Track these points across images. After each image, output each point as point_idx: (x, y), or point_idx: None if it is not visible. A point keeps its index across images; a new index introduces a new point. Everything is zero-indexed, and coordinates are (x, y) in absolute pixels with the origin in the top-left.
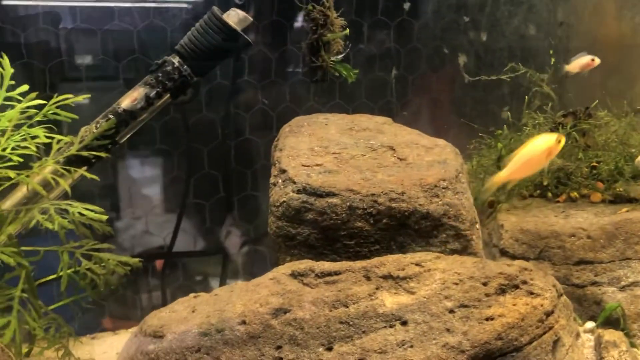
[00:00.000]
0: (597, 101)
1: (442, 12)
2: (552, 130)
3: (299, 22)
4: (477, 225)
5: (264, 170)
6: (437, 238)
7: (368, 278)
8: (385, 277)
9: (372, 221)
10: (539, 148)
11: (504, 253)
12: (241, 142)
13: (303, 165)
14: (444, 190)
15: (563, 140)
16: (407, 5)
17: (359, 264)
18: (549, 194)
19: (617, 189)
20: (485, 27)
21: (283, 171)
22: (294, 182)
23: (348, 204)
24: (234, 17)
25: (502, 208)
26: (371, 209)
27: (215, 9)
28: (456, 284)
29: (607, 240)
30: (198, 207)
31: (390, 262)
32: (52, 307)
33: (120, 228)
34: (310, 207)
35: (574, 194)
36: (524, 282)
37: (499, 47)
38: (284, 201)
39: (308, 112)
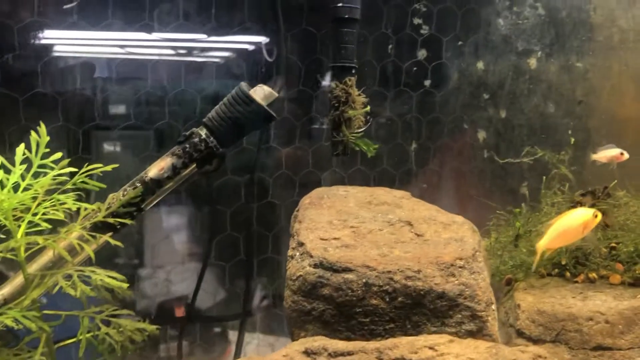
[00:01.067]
0: (615, 181)
1: (463, 88)
2: (571, 209)
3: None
4: (493, 306)
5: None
6: (453, 318)
7: None
8: None
9: (387, 299)
10: (576, 221)
11: (520, 334)
12: (264, 205)
13: (321, 239)
14: (460, 269)
15: (599, 215)
16: (427, 82)
17: (372, 344)
18: (567, 274)
19: (637, 272)
20: (504, 104)
21: (301, 244)
22: (311, 256)
23: (364, 280)
24: (260, 92)
25: (519, 286)
26: (387, 287)
27: (243, 84)
28: None
29: (626, 325)
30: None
31: (404, 345)
32: None
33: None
34: (326, 283)
35: (592, 275)
36: None
37: (518, 124)
38: (301, 275)
39: (330, 178)
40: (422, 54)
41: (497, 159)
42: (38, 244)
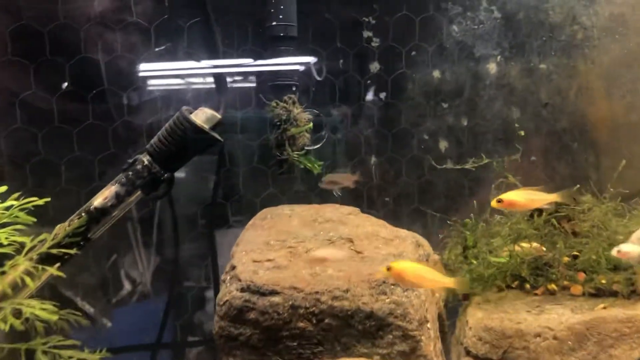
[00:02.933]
0: (578, 185)
1: (419, 98)
2: (528, 218)
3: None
4: (429, 325)
5: None
6: (384, 339)
7: None
8: None
9: (314, 321)
10: None
11: (467, 353)
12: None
13: (254, 261)
14: (392, 287)
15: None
16: (383, 95)
17: None
18: (527, 286)
19: (599, 281)
20: (464, 112)
21: (233, 268)
22: (239, 280)
23: (290, 302)
24: (202, 116)
25: (474, 301)
26: (313, 308)
27: (183, 109)
28: None
29: (576, 342)
30: None
31: None
32: None
33: None
34: (252, 307)
35: (552, 287)
36: None
37: (482, 131)
38: (227, 300)
39: (293, 197)
40: (374, 67)
41: (436, 166)
42: None
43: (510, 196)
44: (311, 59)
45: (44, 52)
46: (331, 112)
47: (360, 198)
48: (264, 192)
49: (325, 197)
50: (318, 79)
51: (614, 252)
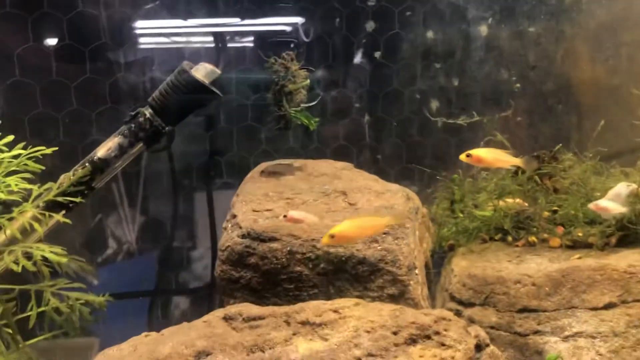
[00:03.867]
0: (560, 144)
1: (413, 59)
2: (513, 175)
3: None
4: (417, 271)
5: None
6: (375, 283)
7: (288, 323)
8: (304, 323)
9: (310, 265)
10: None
11: (452, 298)
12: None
13: (254, 211)
14: (384, 235)
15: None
16: (378, 54)
17: (282, 309)
18: (509, 238)
19: (576, 235)
20: (456, 72)
21: (234, 216)
22: (240, 227)
23: (288, 248)
24: (202, 70)
25: (459, 252)
26: (310, 254)
27: (184, 63)
28: (368, 332)
29: (552, 287)
30: None
31: (310, 308)
32: (29, 342)
33: None
34: (252, 252)
35: (533, 239)
36: (437, 333)
37: (471, 92)
38: (229, 245)
39: (286, 155)
40: (370, 26)
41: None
42: None
43: (478, 152)
44: (299, 20)
45: (42, 5)
46: (325, 71)
47: (353, 155)
48: (257, 149)
49: (317, 154)
50: (305, 40)
51: (590, 206)
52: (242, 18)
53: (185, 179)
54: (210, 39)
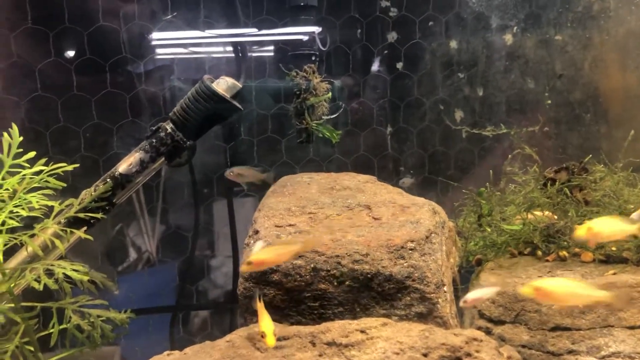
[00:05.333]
0: (590, 155)
1: (436, 69)
2: (542, 187)
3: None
4: (445, 288)
5: None
6: (402, 301)
7: (313, 344)
8: (329, 344)
9: (335, 283)
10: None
11: (481, 315)
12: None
13: (276, 226)
14: (410, 251)
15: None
16: (400, 65)
17: (307, 329)
18: (539, 253)
19: (609, 248)
20: (480, 82)
21: (256, 232)
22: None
23: (312, 265)
24: (223, 84)
25: (487, 267)
26: (334, 271)
27: (205, 77)
28: (396, 353)
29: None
30: None
31: (336, 328)
32: (53, 359)
33: None
34: (275, 269)
35: (564, 253)
36: (468, 355)
37: (496, 102)
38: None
39: (306, 167)
40: (392, 36)
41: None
42: (11, 241)
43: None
44: (319, 30)
45: (63, 20)
46: (346, 82)
47: (374, 166)
48: (278, 161)
49: (337, 167)
50: (322, 48)
51: (631, 217)
52: (261, 29)
53: (206, 190)
54: (230, 50)
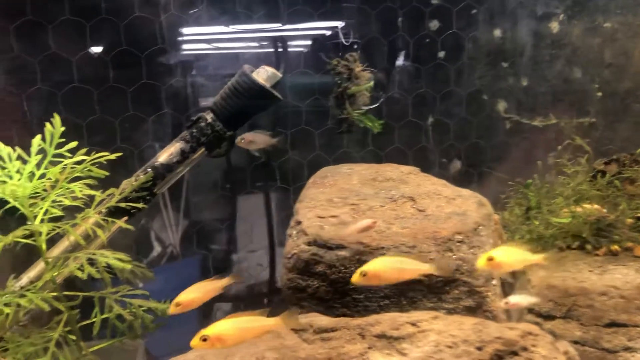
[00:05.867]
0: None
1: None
2: (591, 179)
3: None
4: (494, 282)
5: None
6: (450, 294)
7: (362, 336)
8: (379, 337)
9: None
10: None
11: (530, 310)
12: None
13: (318, 217)
14: (458, 244)
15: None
16: (442, 54)
17: (355, 321)
18: (588, 247)
19: None
20: (525, 72)
21: (298, 223)
22: (306, 234)
23: (357, 257)
24: (264, 74)
25: None
26: None
27: (245, 67)
28: (450, 347)
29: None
30: None
31: (386, 321)
32: (93, 348)
33: None
34: (320, 260)
35: (615, 247)
36: (524, 349)
37: (541, 92)
38: (295, 253)
39: (339, 158)
40: (434, 25)
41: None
42: (54, 230)
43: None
44: (339, 23)
45: (100, 11)
46: (387, 72)
47: (409, 158)
48: (311, 153)
49: (372, 158)
50: (345, 43)
51: None
52: (298, 21)
53: (241, 183)
54: (268, 41)
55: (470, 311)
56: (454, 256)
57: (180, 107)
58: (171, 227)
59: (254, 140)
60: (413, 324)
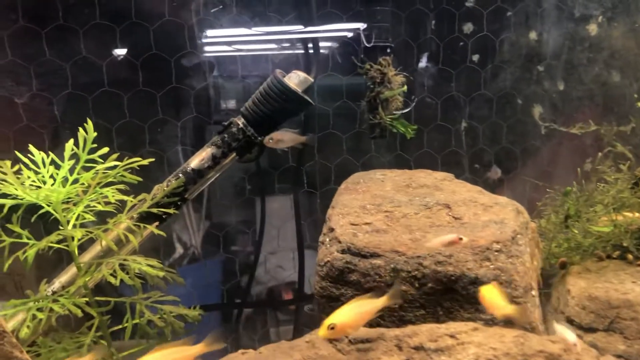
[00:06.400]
0: None
1: (514, 62)
2: (632, 186)
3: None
4: (533, 292)
5: None
6: None
7: (400, 348)
8: (417, 348)
9: (417, 285)
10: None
11: (569, 321)
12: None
13: (352, 224)
14: (496, 253)
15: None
16: (475, 57)
17: (391, 332)
18: (630, 256)
19: None
20: (561, 75)
21: (331, 230)
22: (339, 242)
23: (392, 265)
24: (295, 79)
25: (573, 270)
26: (416, 272)
27: (277, 71)
28: None
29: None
30: None
31: (424, 332)
32: (124, 354)
33: None
34: (354, 268)
35: None
36: None
37: (578, 96)
38: (328, 261)
39: (367, 164)
40: (467, 27)
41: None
42: (87, 234)
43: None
44: (361, 25)
45: (130, 15)
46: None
47: (445, 165)
48: (338, 158)
49: (401, 163)
50: (367, 45)
51: None
52: (328, 23)
53: (269, 188)
54: (298, 44)
55: (509, 323)
56: (492, 266)
57: (209, 111)
58: (192, 229)
59: (282, 139)
60: (452, 336)
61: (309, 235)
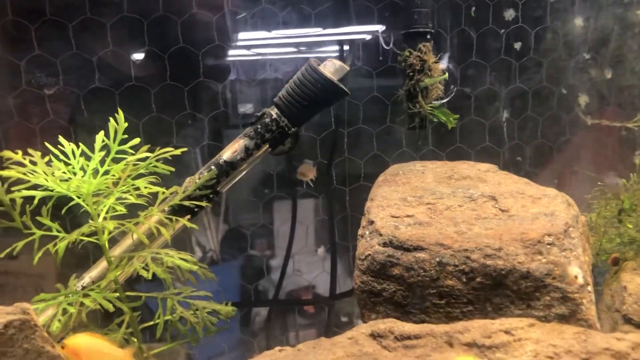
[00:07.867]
0: None
1: (558, 50)
2: None
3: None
4: (589, 288)
5: None
6: (540, 301)
7: (450, 344)
8: (470, 345)
9: (464, 279)
10: None
11: (627, 320)
12: None
13: (392, 217)
14: (548, 246)
15: None
16: (518, 45)
17: (441, 327)
18: None
19: None
20: (609, 64)
21: (371, 222)
22: (380, 235)
23: (437, 259)
24: (330, 67)
25: (627, 266)
26: (463, 266)
27: (312, 60)
28: (550, 358)
29: None
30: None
31: (476, 328)
32: (154, 351)
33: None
34: (396, 262)
35: None
36: None
37: (627, 85)
38: (369, 254)
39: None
40: (509, 14)
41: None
42: (118, 227)
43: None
44: (380, 27)
45: (158, 8)
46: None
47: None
48: (369, 153)
49: (432, 158)
50: (386, 47)
51: None
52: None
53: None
54: (331, 41)
55: (563, 320)
56: (544, 259)
57: (236, 106)
58: (211, 230)
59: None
60: (507, 332)
61: (339, 233)
